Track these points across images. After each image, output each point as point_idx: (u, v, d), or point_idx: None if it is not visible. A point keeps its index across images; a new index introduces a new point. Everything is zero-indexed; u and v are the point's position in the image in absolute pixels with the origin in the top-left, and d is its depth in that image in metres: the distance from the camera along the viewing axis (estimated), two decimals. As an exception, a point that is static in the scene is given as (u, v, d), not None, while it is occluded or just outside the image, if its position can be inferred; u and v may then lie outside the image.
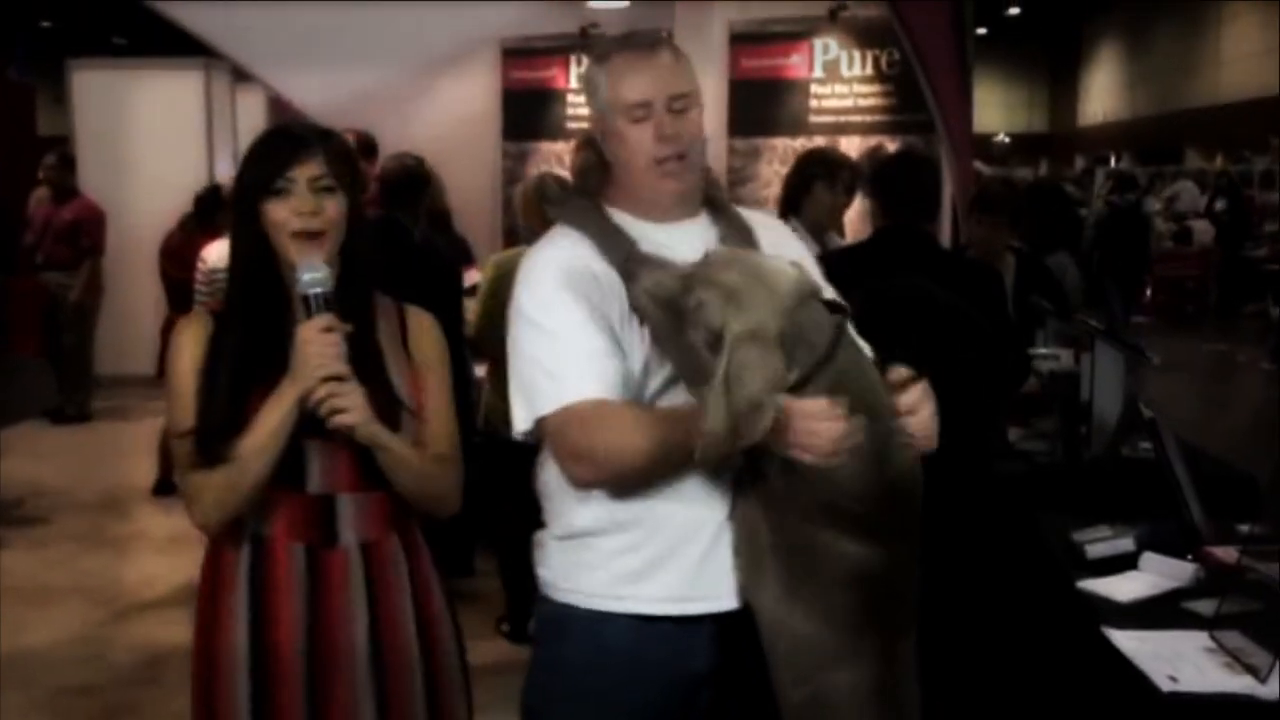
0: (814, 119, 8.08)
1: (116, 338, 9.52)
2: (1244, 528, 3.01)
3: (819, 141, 7.54)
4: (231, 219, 2.28)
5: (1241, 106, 19.70)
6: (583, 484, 2.08)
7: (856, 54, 7.98)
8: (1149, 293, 14.88)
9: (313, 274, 2.10)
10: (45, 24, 23.18)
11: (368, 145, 6.38)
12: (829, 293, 2.07)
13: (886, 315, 2.58)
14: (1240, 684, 2.27)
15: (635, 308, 2.02)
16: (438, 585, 2.32)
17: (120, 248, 9.41)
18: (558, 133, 8.81)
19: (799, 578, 1.98)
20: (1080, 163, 23.88)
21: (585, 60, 8.87)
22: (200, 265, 5.65)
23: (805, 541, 1.95)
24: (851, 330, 2.01)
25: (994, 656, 3.35)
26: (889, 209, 3.86)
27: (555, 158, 8.52)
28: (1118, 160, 23.41)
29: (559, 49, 8.85)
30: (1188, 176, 19.08)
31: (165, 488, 6.79)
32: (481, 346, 4.75)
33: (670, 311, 1.94)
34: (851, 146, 7.62)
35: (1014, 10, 25.80)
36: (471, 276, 5.55)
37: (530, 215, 4.71)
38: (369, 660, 2.18)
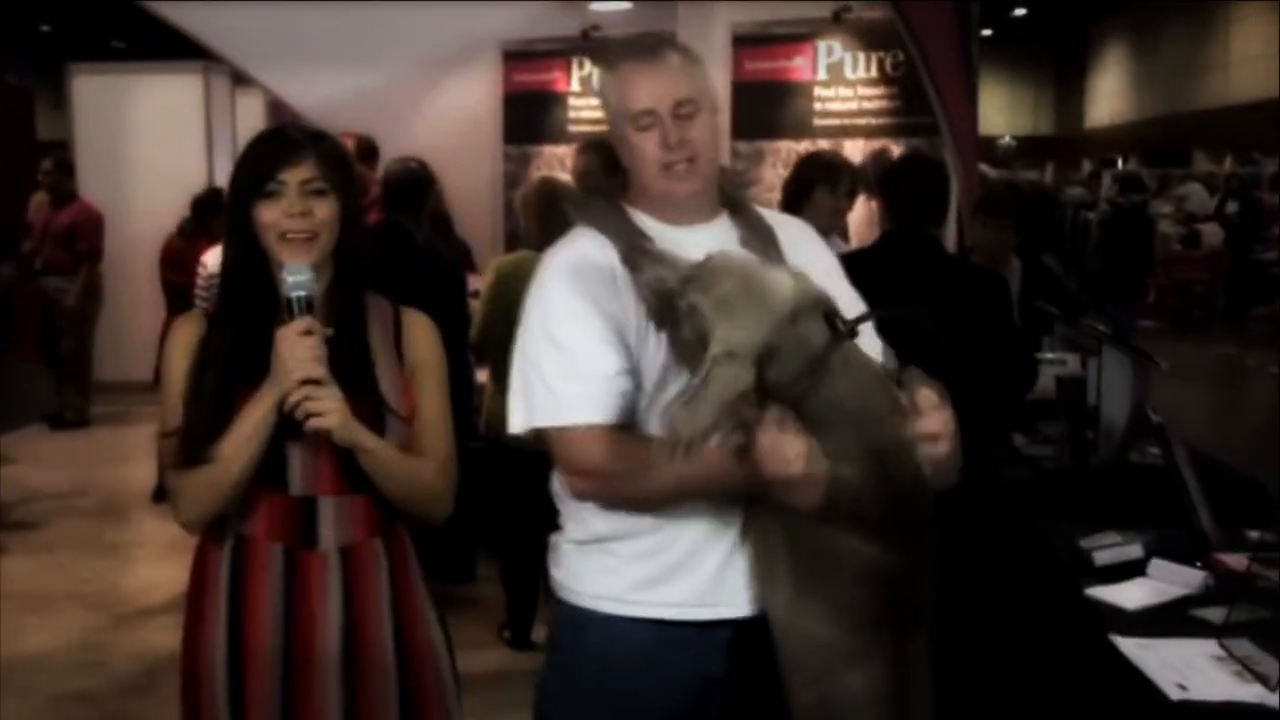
0: (818, 122, 8.06)
1: (116, 343, 9.50)
2: (1254, 534, 3.01)
3: (823, 145, 7.51)
4: (225, 221, 2.29)
5: (1250, 108, 19.61)
6: (578, 497, 2.13)
7: (861, 56, 7.97)
8: (1153, 296, 14.79)
9: (296, 276, 2.11)
10: (44, 28, 23.18)
11: (368, 149, 6.36)
12: (849, 297, 2.13)
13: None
14: (1250, 692, 2.25)
15: (639, 298, 2.03)
16: (423, 590, 2.32)
17: (120, 252, 9.40)
18: (559, 136, 8.79)
19: (810, 578, 1.98)
20: (1087, 165, 23.80)
21: (587, 63, 8.94)
22: (200, 270, 5.64)
23: (816, 542, 1.96)
24: (864, 338, 2.00)
25: (1001, 665, 3.33)
26: (896, 212, 3.85)
27: (557, 161, 8.50)
28: (1125, 163, 23.33)
29: (560, 51, 8.83)
30: (1196, 179, 19.01)
31: (165, 494, 6.72)
32: (483, 350, 4.73)
33: (668, 307, 1.95)
34: (856, 150, 7.60)
35: (1020, 11, 25.74)
36: (473, 282, 5.52)
37: (531, 219, 4.69)
38: (340, 662, 2.19)
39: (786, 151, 7.90)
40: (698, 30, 7.65)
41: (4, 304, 9.77)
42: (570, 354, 2.04)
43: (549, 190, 4.74)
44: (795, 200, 4.81)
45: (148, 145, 10.35)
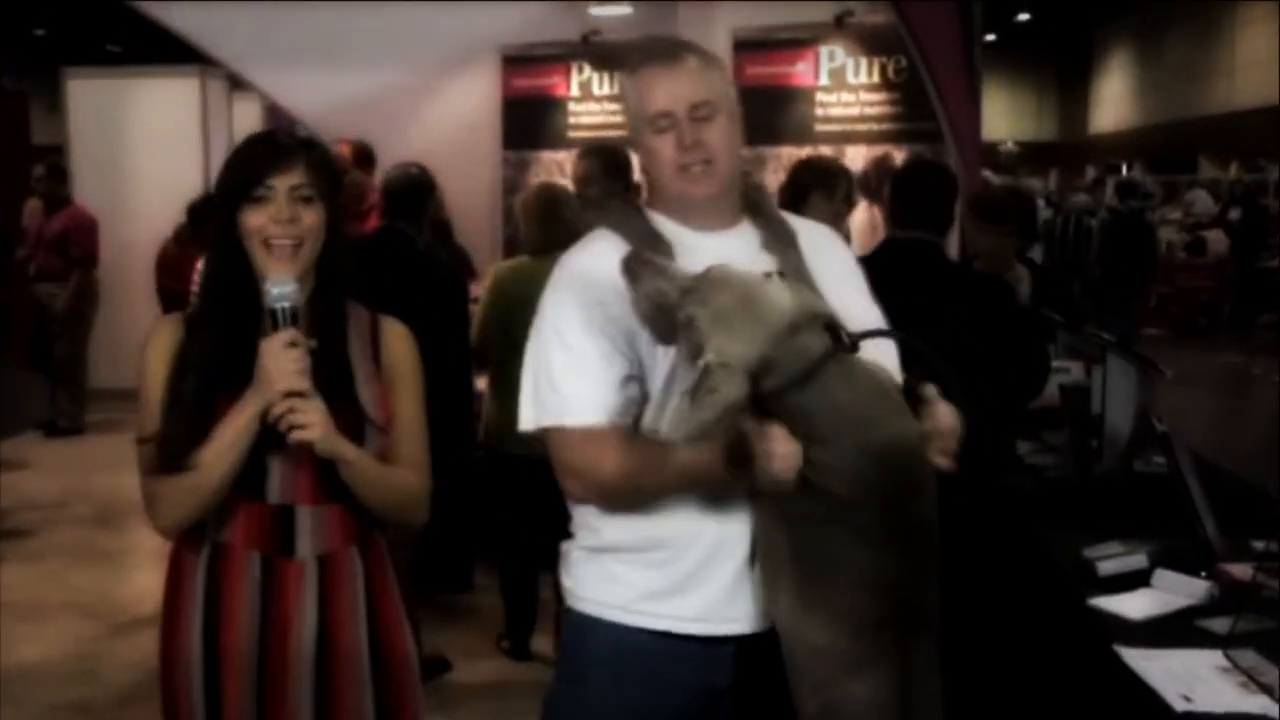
0: (820, 128, 8.03)
1: (111, 349, 9.38)
2: (1259, 544, 2.98)
3: (825, 150, 7.48)
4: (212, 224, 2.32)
5: (1256, 114, 19.57)
6: (573, 498, 2.16)
7: (863, 61, 7.95)
8: (1154, 302, 14.72)
9: (280, 288, 2.12)
10: (39, 32, 23.22)
11: (365, 155, 6.33)
12: (865, 304, 2.20)
13: None
14: (1256, 704, 2.24)
15: (637, 309, 2.03)
16: (398, 599, 2.35)
17: (115, 257, 9.40)
18: (559, 141, 8.76)
19: (812, 584, 1.98)
20: (1091, 172, 23.78)
21: (587, 67, 8.90)
22: (196, 277, 5.60)
23: (820, 545, 1.96)
24: (880, 350, 2.03)
25: (1004, 675, 3.32)
26: (901, 217, 3.84)
27: (556, 167, 8.48)
28: (1129, 169, 23.33)
29: (560, 56, 8.80)
30: (1201, 186, 18.98)
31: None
32: (484, 354, 4.70)
33: (666, 317, 1.96)
34: (858, 155, 7.58)
35: (1023, 16, 25.73)
36: (474, 290, 5.48)
37: (531, 225, 4.66)
38: (313, 668, 2.21)
39: (788, 157, 7.82)
40: (698, 35, 7.56)
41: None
42: (578, 356, 2.07)
43: (549, 196, 4.72)
44: (791, 206, 4.74)
45: (143, 150, 10.34)
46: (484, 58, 8.79)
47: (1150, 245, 12.03)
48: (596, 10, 8.33)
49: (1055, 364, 4.65)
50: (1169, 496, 3.10)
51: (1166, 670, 2.36)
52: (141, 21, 8.47)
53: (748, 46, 8.09)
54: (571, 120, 8.80)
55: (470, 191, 8.11)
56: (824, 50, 8.02)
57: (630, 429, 2.07)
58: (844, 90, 7.99)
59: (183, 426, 2.13)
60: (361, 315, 2.32)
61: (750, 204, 2.23)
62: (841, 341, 1.91)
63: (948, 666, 2.06)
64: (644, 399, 2.08)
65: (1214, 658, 2.42)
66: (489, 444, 4.73)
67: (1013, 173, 18.44)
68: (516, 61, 8.88)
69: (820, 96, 8.04)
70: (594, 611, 2.18)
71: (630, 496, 2.09)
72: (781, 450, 1.87)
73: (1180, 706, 2.22)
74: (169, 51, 9.58)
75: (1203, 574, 2.82)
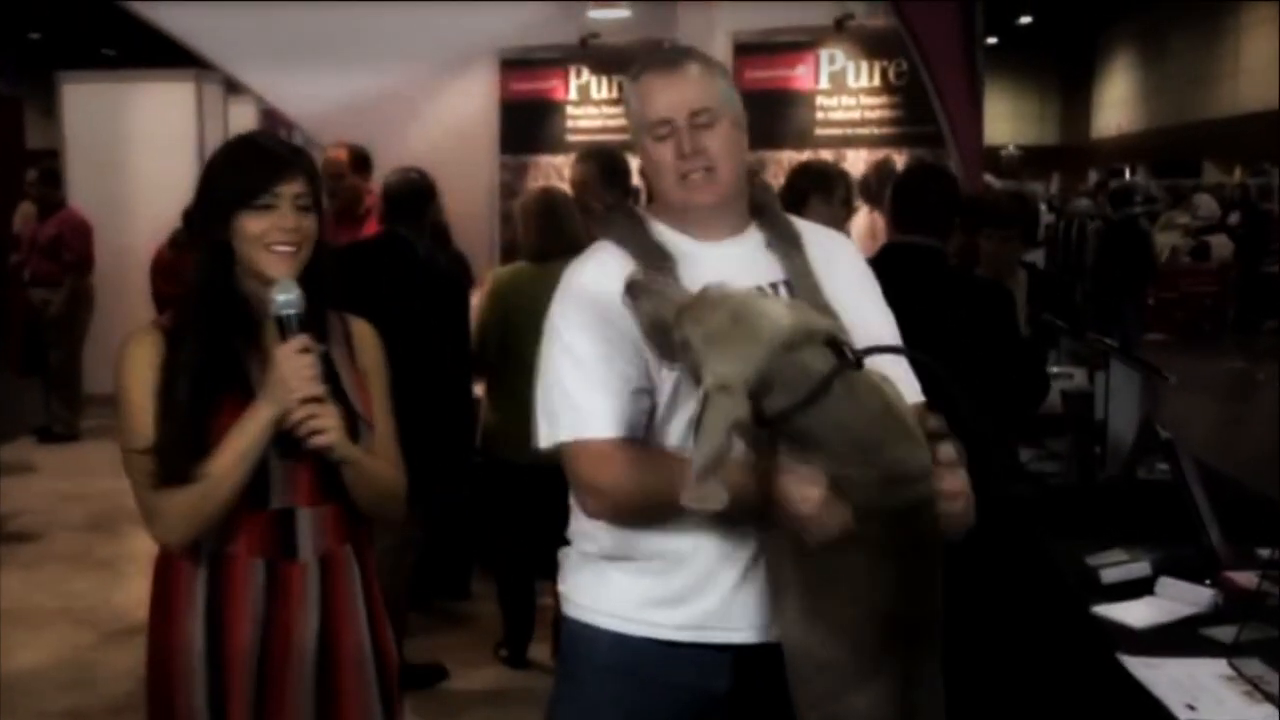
0: (820, 131, 8.02)
1: (106, 354, 9.21)
2: (1264, 552, 2.96)
3: (825, 155, 7.46)
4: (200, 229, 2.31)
5: (1260, 117, 19.56)
6: (590, 514, 2.13)
7: (864, 65, 7.94)
8: (1157, 306, 14.69)
9: (287, 295, 2.14)
10: (33, 35, 23.26)
11: (361, 159, 6.29)
12: (876, 311, 2.20)
13: None
14: (1260, 713, 2.24)
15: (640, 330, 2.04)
16: (380, 599, 2.40)
17: (111, 262, 9.37)
18: (557, 145, 8.72)
19: (815, 597, 1.98)
20: (1093, 176, 23.77)
21: (585, 71, 8.86)
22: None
23: (820, 560, 1.94)
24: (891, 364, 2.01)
25: (1007, 684, 3.31)
26: (901, 222, 3.83)
27: (554, 171, 8.44)
28: (1132, 173, 23.33)
29: (559, 60, 8.77)
30: (1206, 190, 18.95)
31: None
32: (484, 358, 4.67)
33: (666, 339, 1.97)
34: (858, 159, 7.56)
35: (1026, 19, 25.75)
36: (473, 297, 5.45)
37: (530, 230, 4.63)
38: (315, 666, 2.24)
39: (788, 161, 7.79)
40: (698, 38, 7.57)
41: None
42: (591, 370, 2.06)
43: (548, 201, 4.70)
44: (790, 210, 4.72)
45: (139, 154, 10.31)
46: (482, 61, 8.75)
47: (1146, 252, 12.00)
48: (595, 13, 8.31)
49: (1058, 370, 4.64)
50: (1173, 503, 3.10)
51: (1170, 679, 2.36)
52: (136, 25, 8.44)
53: (747, 50, 8.08)
54: (570, 124, 8.77)
55: (467, 196, 8.06)
56: (824, 53, 8.01)
57: (642, 441, 2.07)
58: (844, 94, 7.98)
59: (181, 436, 2.13)
60: (332, 317, 2.34)
61: (757, 208, 2.23)
62: (846, 358, 1.89)
63: (950, 675, 2.05)
64: (654, 410, 2.08)
65: (1218, 666, 2.41)
66: (486, 450, 4.71)
67: (1015, 177, 18.38)
68: (515, 65, 8.85)
69: (820, 100, 8.03)
70: (590, 619, 2.18)
71: (650, 514, 2.06)
72: (805, 493, 1.86)
73: (1184, 716, 2.22)
74: (164, 55, 9.58)
75: (1207, 582, 2.81)
